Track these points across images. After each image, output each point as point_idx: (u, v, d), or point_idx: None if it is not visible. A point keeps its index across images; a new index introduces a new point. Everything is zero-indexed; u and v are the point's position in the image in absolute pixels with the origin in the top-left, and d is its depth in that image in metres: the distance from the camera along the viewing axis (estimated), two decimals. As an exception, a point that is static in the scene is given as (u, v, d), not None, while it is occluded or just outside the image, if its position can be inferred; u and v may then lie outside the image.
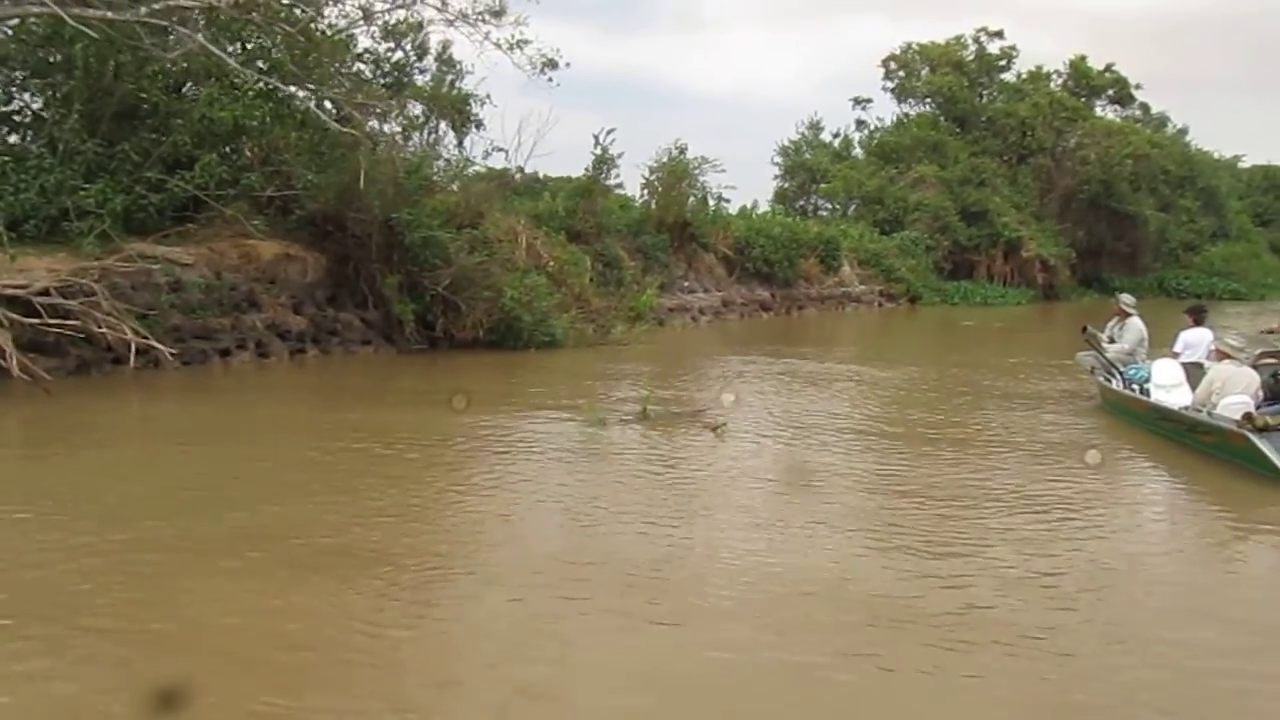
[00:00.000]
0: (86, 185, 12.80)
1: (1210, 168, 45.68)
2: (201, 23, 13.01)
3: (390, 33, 18.46)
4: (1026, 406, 11.79)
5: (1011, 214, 34.41)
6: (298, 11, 13.87)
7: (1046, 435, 10.06)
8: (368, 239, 14.76)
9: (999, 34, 38.33)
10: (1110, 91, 39.72)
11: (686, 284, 23.65)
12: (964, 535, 6.54)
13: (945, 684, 4.41)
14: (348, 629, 4.80)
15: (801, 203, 37.08)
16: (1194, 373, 10.03)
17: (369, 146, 14.87)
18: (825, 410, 11.38)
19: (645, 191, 24.08)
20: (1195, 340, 10.87)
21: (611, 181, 22.84)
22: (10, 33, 13.46)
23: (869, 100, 39.17)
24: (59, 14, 11.14)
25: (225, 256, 13.79)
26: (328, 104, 15.11)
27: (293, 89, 14.47)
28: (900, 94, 38.66)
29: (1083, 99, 38.57)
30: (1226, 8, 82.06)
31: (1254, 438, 8.05)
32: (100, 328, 11.36)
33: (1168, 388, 10.14)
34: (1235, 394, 8.71)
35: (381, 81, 18.40)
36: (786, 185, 37.84)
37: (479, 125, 20.48)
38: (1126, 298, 12.40)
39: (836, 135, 39.23)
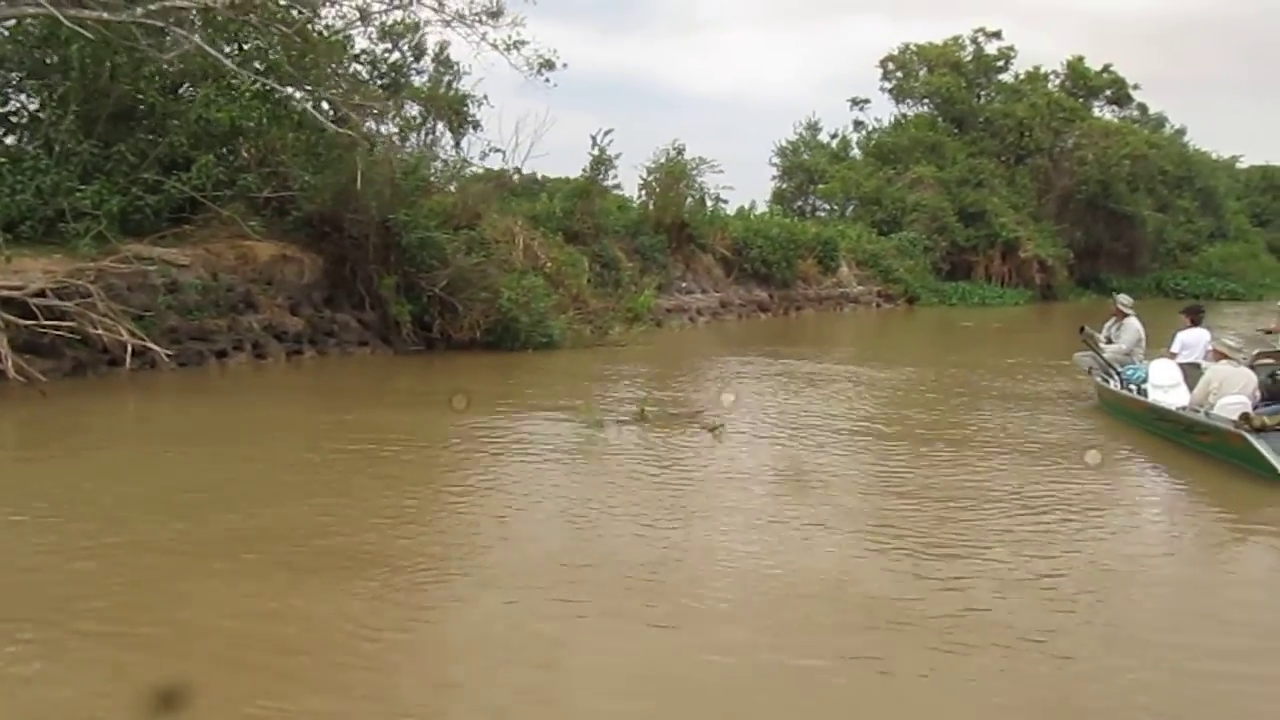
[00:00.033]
0: (83, 186, 12.78)
1: (1208, 168, 45.71)
2: (198, 23, 12.98)
3: (387, 34, 18.47)
4: (1024, 407, 11.78)
5: (1009, 214, 34.42)
6: (295, 12, 13.85)
7: (1044, 436, 10.05)
8: (365, 240, 14.74)
9: (997, 35, 38.41)
10: (1108, 92, 39.75)
11: (684, 285, 23.64)
12: (962, 536, 6.53)
13: (944, 687, 4.40)
14: (344, 632, 4.78)
15: (799, 203, 37.08)
16: (1191, 373, 10.04)
17: (366, 147, 14.86)
18: (823, 411, 11.37)
19: (643, 192, 24.11)
20: (1192, 340, 10.88)
21: (609, 182, 22.86)
22: (6, 33, 13.44)
23: (867, 101, 39.25)
24: (55, 15, 11.11)
25: (222, 258, 13.76)
26: (325, 105, 15.09)
27: (290, 90, 14.46)
28: (898, 95, 38.68)
29: (1080, 99, 38.59)
30: (1225, 9, 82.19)
31: (1251, 438, 8.04)
32: (96, 329, 11.33)
33: (1165, 388, 10.14)
34: (1233, 394, 8.71)
35: (379, 82, 18.40)
36: (784, 186, 37.83)
37: (476, 126, 20.52)
38: (1124, 298, 12.40)
39: (834, 136, 39.27)
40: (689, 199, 24.08)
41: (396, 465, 8.26)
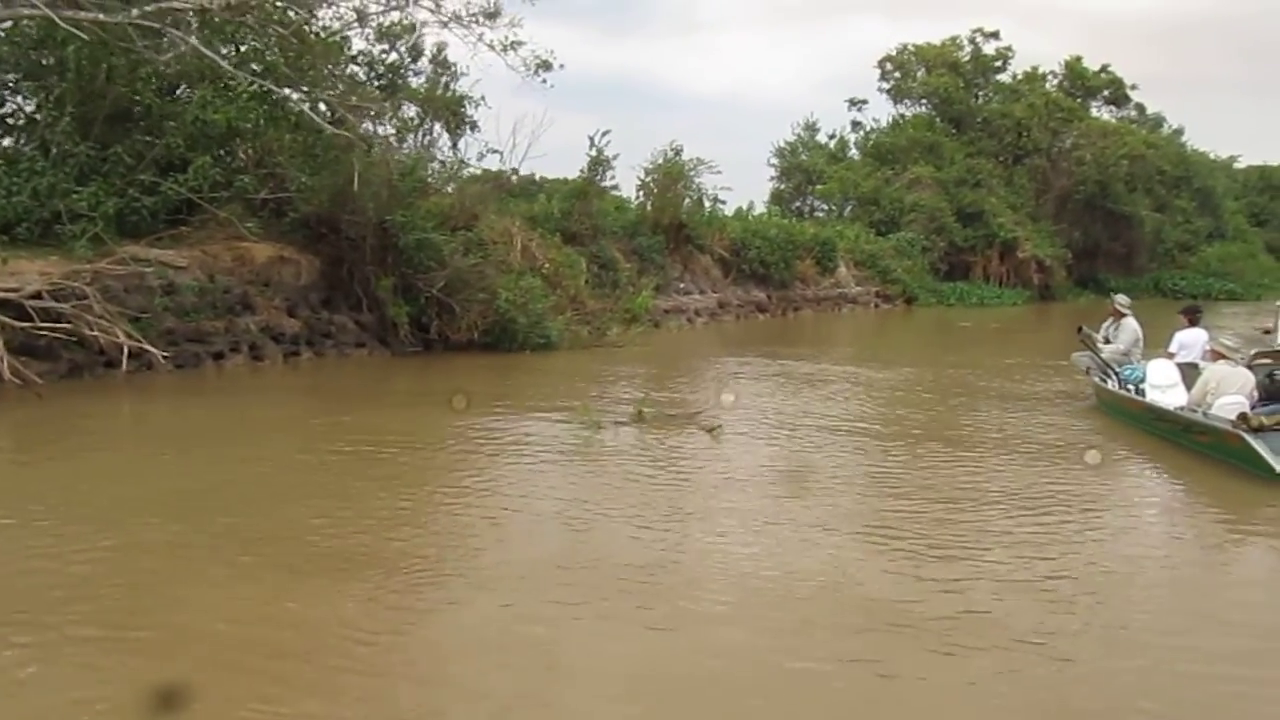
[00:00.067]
0: (79, 188, 12.76)
1: (1206, 168, 45.75)
2: (195, 25, 12.96)
3: (385, 34, 18.45)
4: (1022, 407, 11.77)
5: (1007, 215, 34.45)
6: (291, 13, 13.83)
7: (1042, 436, 10.04)
8: (362, 241, 14.72)
9: (995, 35, 38.47)
10: (1106, 92, 39.78)
11: (682, 285, 23.63)
12: (960, 537, 6.52)
13: (942, 689, 4.38)
14: (338, 635, 4.76)
15: (797, 204, 37.11)
16: (1189, 373, 10.03)
17: (363, 149, 14.85)
18: (821, 411, 11.35)
19: (641, 193, 24.11)
20: (1190, 340, 10.87)
21: (607, 183, 22.87)
22: (3, 35, 13.42)
23: (864, 101, 39.31)
24: (50, 16, 11.09)
25: (219, 259, 13.74)
26: (322, 106, 15.06)
27: (287, 91, 14.43)
28: (896, 95, 38.72)
29: (1078, 100, 38.62)
30: (1222, 9, 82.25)
31: (1249, 438, 8.04)
32: (92, 331, 11.31)
33: (1163, 388, 10.14)
34: (1230, 394, 8.71)
35: (376, 83, 18.39)
36: (783, 186, 37.86)
37: (474, 127, 20.49)
38: (1121, 298, 12.39)
39: (832, 136, 39.34)
40: (687, 200, 24.09)
41: (393, 467, 8.24)
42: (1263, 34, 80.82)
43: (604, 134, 21.73)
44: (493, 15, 15.56)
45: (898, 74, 38.55)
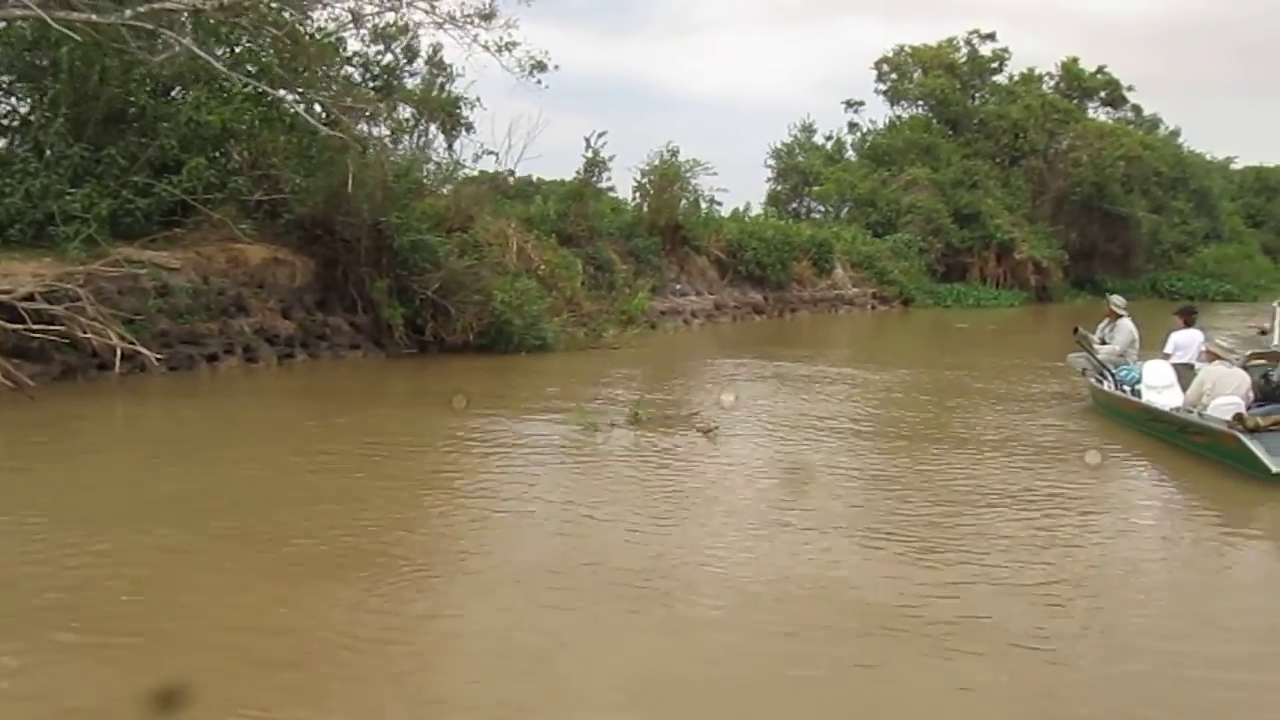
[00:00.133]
0: (72, 189, 12.71)
1: (1202, 169, 45.82)
2: (189, 26, 12.93)
3: (380, 36, 18.39)
4: (1019, 408, 11.75)
5: (1004, 216, 34.46)
6: (286, 15, 13.79)
7: (1039, 438, 10.01)
8: (357, 243, 14.67)
9: (991, 36, 38.49)
10: (1102, 93, 39.81)
11: (679, 287, 23.60)
12: (957, 539, 6.49)
13: (939, 694, 4.34)
14: (329, 642, 4.71)
15: (794, 205, 37.11)
16: (1185, 374, 10.02)
17: (358, 150, 14.79)
18: (818, 413, 11.31)
19: (637, 194, 24.08)
20: (1186, 341, 10.86)
21: (603, 184, 22.85)
22: (-4, 35, 13.37)
23: (861, 103, 39.30)
24: (42, 17, 11.05)
25: (213, 261, 13.69)
26: (317, 107, 15.03)
27: (281, 92, 14.40)
28: (893, 96, 38.72)
29: (1075, 101, 38.65)
30: (1220, 10, 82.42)
31: (1245, 438, 8.02)
32: (85, 333, 11.26)
33: (1159, 389, 10.13)
34: (1226, 395, 8.69)
35: (371, 85, 18.34)
36: (779, 188, 37.85)
37: (469, 128, 20.42)
38: (1117, 299, 12.39)
39: (829, 138, 39.35)
40: (683, 201, 24.05)
41: (387, 469, 8.19)
42: (1259, 35, 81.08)
43: (600, 135, 21.76)
44: (488, 16, 15.55)
45: (894, 75, 38.56)
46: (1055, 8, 70.44)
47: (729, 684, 4.40)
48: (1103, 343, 11.87)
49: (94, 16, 11.69)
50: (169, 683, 4.10)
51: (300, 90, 14.80)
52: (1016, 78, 38.54)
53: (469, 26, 15.41)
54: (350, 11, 15.77)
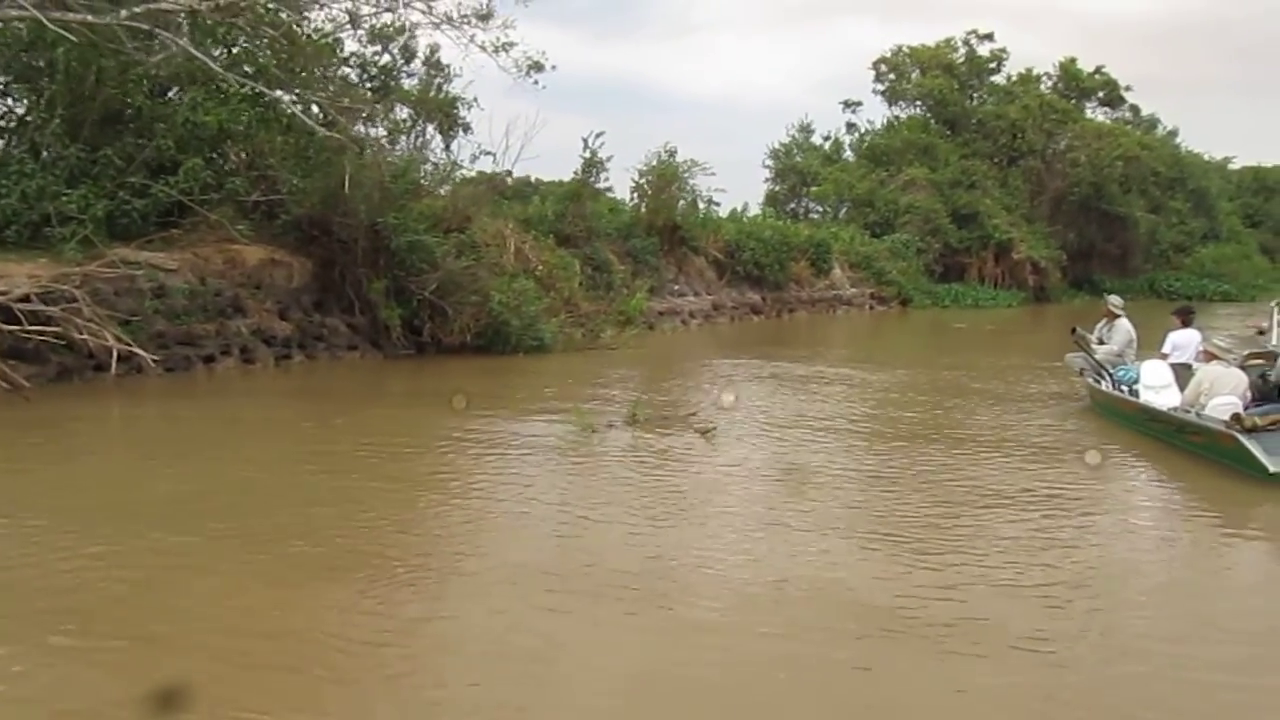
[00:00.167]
0: (69, 190, 12.68)
1: (1200, 169, 45.87)
2: (185, 27, 12.90)
3: (377, 36, 18.38)
4: (1017, 409, 11.74)
5: (1002, 216, 34.47)
6: (283, 15, 13.77)
7: (1037, 438, 10.00)
8: (354, 243, 14.65)
9: (989, 36, 38.53)
10: (1100, 94, 39.85)
11: (676, 287, 23.59)
12: (955, 540, 6.47)
13: (938, 696, 4.32)
14: (324, 645, 4.69)
15: (792, 205, 37.13)
16: (1182, 374, 10.02)
17: (355, 151, 14.78)
18: (816, 414, 11.30)
19: (635, 195, 24.08)
20: (1183, 341, 10.86)
21: (601, 185, 22.85)
22: (-8, 36, 13.34)
23: (859, 103, 39.34)
24: (38, 17, 11.02)
25: (210, 262, 13.67)
26: (314, 108, 15.02)
27: (278, 93, 14.38)
28: (890, 97, 38.76)
29: (1073, 101, 38.69)
30: (1218, 11, 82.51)
31: (1242, 438, 8.02)
32: (81, 334, 11.23)
33: (1156, 389, 10.13)
34: (1223, 395, 8.69)
35: (368, 85, 18.33)
36: (777, 188, 37.87)
37: (466, 129, 20.41)
38: (1114, 299, 12.40)
39: (827, 138, 39.39)
40: (681, 201, 24.04)
41: (383, 470, 8.16)
42: (1258, 35, 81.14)
43: (598, 136, 21.79)
44: (485, 17, 15.54)
45: (892, 76, 38.59)
46: (1053, 8, 70.58)
47: (726, 686, 4.38)
48: (1100, 343, 11.87)
49: (90, 17, 11.67)
50: (166, 685, 4.08)
51: (297, 91, 14.80)
52: (1014, 78, 38.59)
53: (466, 27, 15.44)
54: (347, 12, 15.82)
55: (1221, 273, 41.07)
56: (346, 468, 8.22)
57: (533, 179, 26.00)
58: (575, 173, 22.15)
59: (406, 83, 19.80)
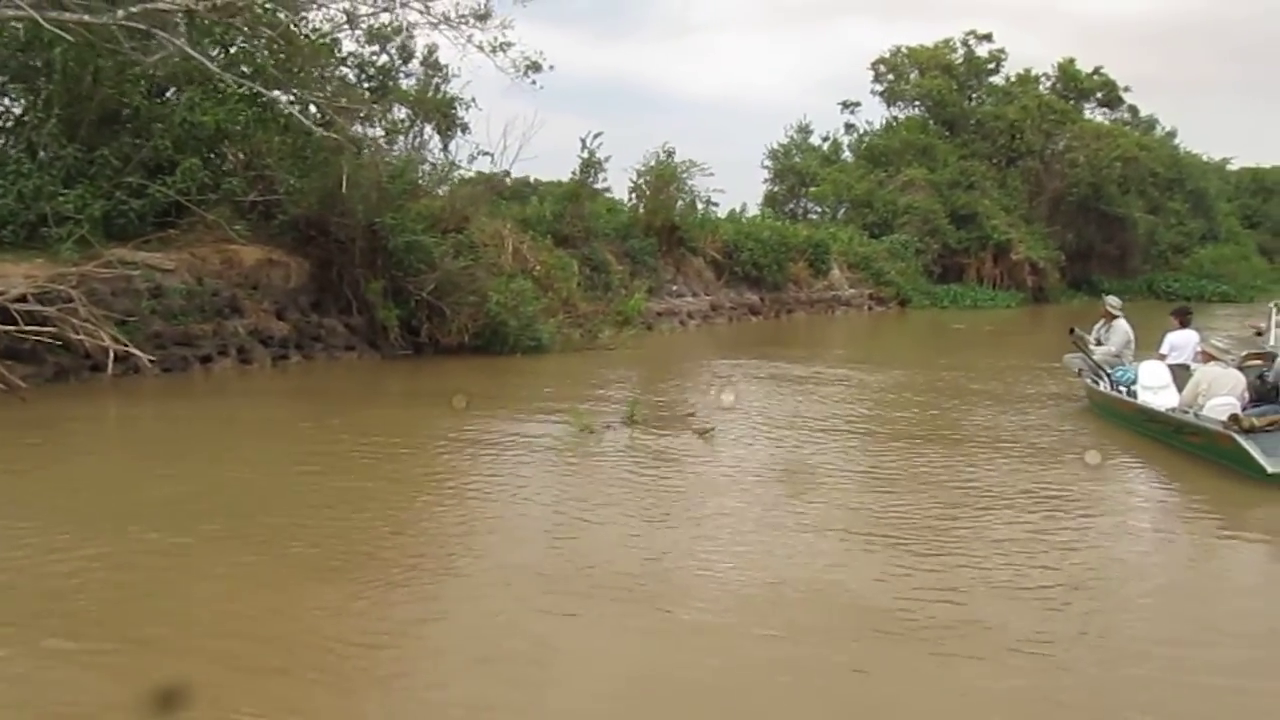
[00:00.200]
0: (65, 190, 12.66)
1: (1199, 170, 45.86)
2: (182, 27, 12.87)
3: (375, 36, 18.34)
4: (1015, 409, 11.73)
5: (1001, 217, 34.45)
6: (280, 15, 13.75)
7: (1035, 438, 9.99)
8: (351, 244, 14.62)
9: (988, 37, 38.50)
10: (1099, 94, 39.83)
11: (675, 288, 23.56)
12: (953, 541, 6.46)
13: (937, 698, 4.31)
14: (318, 647, 4.67)
15: (791, 206, 37.08)
16: (1180, 374, 10.01)
17: (353, 151, 14.75)
18: (814, 414, 11.29)
19: (633, 195, 24.04)
20: (1181, 342, 10.85)
21: (600, 185, 22.82)
22: (-11, 36, 13.32)
23: (857, 104, 39.31)
24: (34, 17, 11.00)
25: (207, 262, 13.64)
26: (311, 108, 14.99)
27: (276, 93, 14.35)
28: (889, 97, 38.74)
29: (1071, 102, 38.67)
30: (1216, 11, 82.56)
31: (1240, 439, 8.02)
32: (78, 334, 11.21)
33: (1154, 389, 10.12)
34: (1222, 395, 8.68)
35: (366, 85, 18.29)
36: (775, 189, 37.82)
37: (464, 129, 20.37)
38: (1113, 300, 12.40)
39: (826, 139, 39.33)
40: (679, 202, 24.01)
41: (380, 471, 8.14)
42: (1257, 36, 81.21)
43: (596, 136, 21.75)
44: (483, 17, 15.51)
45: (891, 76, 38.57)
46: (1052, 8, 70.60)
47: (724, 689, 4.36)
48: (1099, 343, 11.86)
49: (86, 17, 11.65)
50: (165, 686, 4.06)
51: (295, 91, 14.76)
52: (1013, 78, 38.57)
53: (464, 27, 15.41)
54: (345, 12, 15.77)
55: (1220, 273, 41.05)
56: (343, 468, 8.20)
57: (531, 179, 26.01)
58: (573, 173, 22.16)
59: (404, 83, 19.77)
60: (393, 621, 5.02)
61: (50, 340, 11.10)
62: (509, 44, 15.85)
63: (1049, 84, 39.04)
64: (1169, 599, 5.70)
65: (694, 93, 76.37)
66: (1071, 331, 11.95)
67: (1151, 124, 44.12)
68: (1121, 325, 11.78)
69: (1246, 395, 8.88)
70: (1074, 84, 39.10)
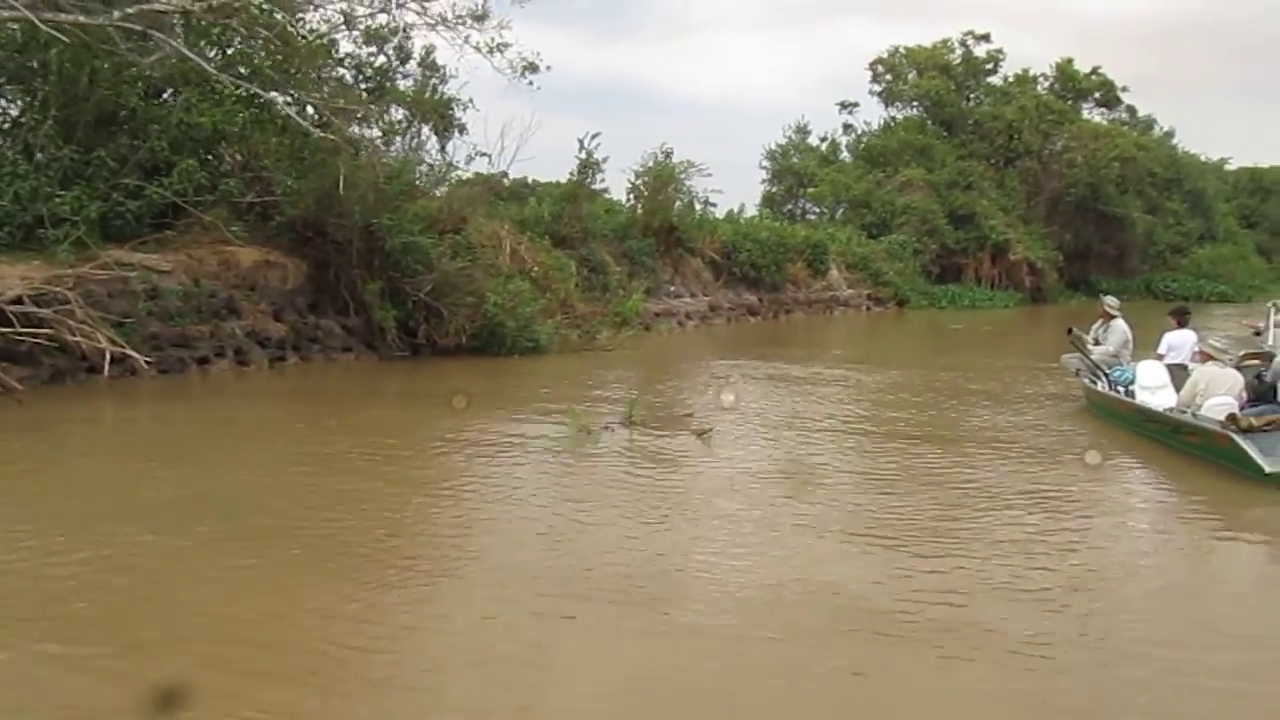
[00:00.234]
0: (62, 192, 12.62)
1: (1197, 170, 45.87)
2: (179, 28, 12.85)
3: (372, 37, 18.33)
4: (1013, 409, 11.72)
5: (999, 217, 34.45)
6: (277, 16, 13.73)
7: (1033, 439, 9.99)
8: (348, 245, 14.60)
9: (986, 37, 38.50)
10: (1097, 94, 39.83)
11: (673, 289, 23.55)
12: (951, 542, 6.44)
13: (935, 699, 4.30)
14: (313, 650, 4.65)
15: (789, 206, 37.06)
16: (1178, 374, 10.00)
17: (350, 152, 14.74)
18: (812, 415, 11.28)
19: (631, 196, 24.01)
20: (1179, 342, 10.85)
21: (598, 186, 22.79)
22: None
23: (856, 104, 39.32)
24: (29, 18, 10.98)
25: (204, 263, 13.61)
26: (309, 109, 14.97)
27: (273, 94, 14.34)
28: (887, 98, 38.74)
29: (1069, 102, 38.67)
30: (1215, 11, 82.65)
31: (1238, 439, 8.01)
32: (74, 336, 11.18)
33: (1152, 389, 10.12)
34: (1219, 395, 8.68)
35: (363, 86, 18.28)
36: (774, 189, 37.81)
37: (462, 130, 20.37)
38: (1110, 300, 12.39)
39: (824, 139, 39.31)
40: (677, 202, 23.99)
41: (377, 473, 8.12)
42: (1255, 36, 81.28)
43: (594, 136, 21.71)
44: (481, 18, 15.49)
45: (889, 76, 38.57)
46: (1051, 8, 70.63)
47: (722, 691, 4.35)
48: (1096, 343, 11.86)
49: (83, 18, 11.63)
50: (159, 691, 4.04)
51: (292, 92, 14.74)
52: (1011, 79, 38.57)
53: (461, 28, 15.38)
54: (342, 13, 15.76)
55: (1218, 273, 41.05)
56: (340, 470, 8.18)
57: (529, 180, 25.96)
58: (571, 174, 22.12)
59: (401, 84, 19.76)
60: (389, 624, 5.01)
61: (47, 342, 11.08)
62: (506, 45, 15.87)
63: (1047, 84, 39.05)
64: (1168, 600, 5.70)
65: (693, 93, 76.45)
66: (1069, 331, 11.95)
67: (1150, 124, 44.16)
68: (1119, 325, 11.78)
69: (1244, 395, 8.88)
70: (1072, 84, 39.11)
